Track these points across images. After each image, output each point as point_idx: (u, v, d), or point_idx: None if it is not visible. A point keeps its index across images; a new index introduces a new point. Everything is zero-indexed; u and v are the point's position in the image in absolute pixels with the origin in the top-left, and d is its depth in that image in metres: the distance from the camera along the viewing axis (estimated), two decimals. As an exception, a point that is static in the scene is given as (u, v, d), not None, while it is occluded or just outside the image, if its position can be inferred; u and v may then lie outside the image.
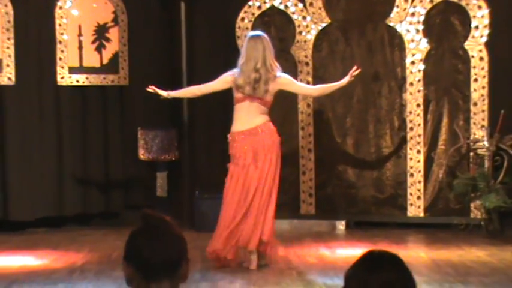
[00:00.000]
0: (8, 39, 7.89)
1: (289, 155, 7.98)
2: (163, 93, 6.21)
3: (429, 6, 7.73)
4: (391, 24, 7.81)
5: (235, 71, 6.07)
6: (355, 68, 6.21)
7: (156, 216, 2.20)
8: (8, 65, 7.91)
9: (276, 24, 8.01)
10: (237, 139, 6.03)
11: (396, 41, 7.81)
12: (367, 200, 7.91)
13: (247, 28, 8.02)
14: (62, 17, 8.05)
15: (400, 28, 7.78)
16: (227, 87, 6.10)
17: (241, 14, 8.03)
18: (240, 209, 5.96)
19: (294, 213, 7.98)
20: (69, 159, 8.04)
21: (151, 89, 6.22)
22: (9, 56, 7.90)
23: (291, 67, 7.98)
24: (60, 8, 8.06)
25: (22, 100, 7.92)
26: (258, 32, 6.27)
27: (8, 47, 7.90)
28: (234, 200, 5.97)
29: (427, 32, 7.73)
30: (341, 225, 7.85)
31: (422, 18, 7.74)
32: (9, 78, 7.91)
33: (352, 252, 6.73)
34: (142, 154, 8.02)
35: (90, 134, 8.12)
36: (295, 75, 7.98)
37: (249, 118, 6.02)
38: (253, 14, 8.04)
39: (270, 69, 6.00)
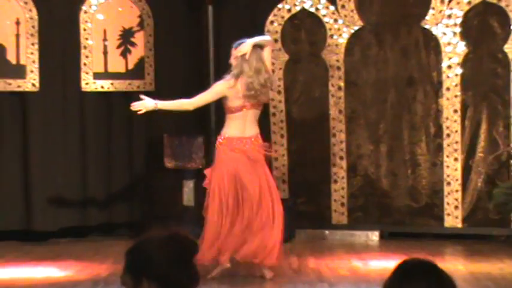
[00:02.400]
0: (32, 44, 7.78)
1: (320, 163, 7.81)
2: (151, 102, 6.00)
3: (467, 8, 7.50)
4: (427, 26, 7.58)
5: (229, 79, 5.96)
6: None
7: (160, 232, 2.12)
8: (32, 71, 7.80)
9: (307, 27, 7.83)
10: (234, 145, 5.92)
11: (432, 44, 7.60)
12: (402, 210, 7.70)
13: (276, 32, 7.84)
14: (86, 21, 7.92)
15: (436, 31, 7.56)
16: (220, 97, 6.03)
17: (271, 17, 7.86)
18: (232, 217, 5.83)
19: (325, 223, 7.81)
20: (93, 166, 7.92)
21: (141, 98, 6.06)
22: (34, 61, 7.79)
23: (321, 72, 7.81)
24: (85, 12, 7.93)
25: (46, 106, 7.82)
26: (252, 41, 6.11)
27: (32, 53, 7.79)
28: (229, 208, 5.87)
29: (465, 35, 7.51)
30: (374, 236, 7.67)
31: (459, 21, 7.51)
32: (33, 85, 7.80)
33: (386, 264, 6.55)
34: (168, 162, 7.89)
35: (115, 141, 8.00)
36: (326, 80, 7.80)
37: (247, 126, 5.98)
38: (282, 17, 7.86)
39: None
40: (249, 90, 5.90)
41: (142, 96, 6.02)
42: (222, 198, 5.84)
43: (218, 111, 7.69)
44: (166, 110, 6.21)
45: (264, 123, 7.95)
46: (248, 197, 5.82)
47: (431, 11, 7.56)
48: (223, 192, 5.84)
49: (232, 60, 6.00)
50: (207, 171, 6.06)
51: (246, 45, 5.98)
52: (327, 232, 7.79)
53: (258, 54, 5.97)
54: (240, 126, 5.94)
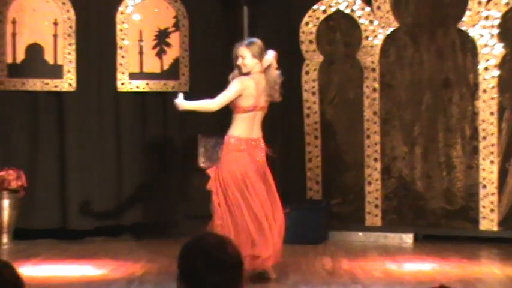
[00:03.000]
0: (70, 45, 7.84)
1: (354, 165, 7.77)
2: (179, 102, 5.90)
3: (505, 9, 7.41)
4: (463, 28, 7.50)
5: (246, 78, 5.84)
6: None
7: (214, 236, 2.07)
8: (69, 71, 7.86)
9: (342, 28, 7.79)
10: (246, 146, 5.80)
11: (468, 46, 7.51)
12: (437, 212, 7.62)
13: (311, 33, 7.82)
14: (123, 22, 7.97)
15: (473, 32, 7.47)
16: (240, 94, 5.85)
17: (306, 19, 7.84)
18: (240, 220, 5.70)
19: (359, 225, 7.76)
20: (128, 166, 7.95)
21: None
22: (70, 61, 7.85)
23: (356, 73, 7.77)
24: (122, 13, 7.97)
25: (82, 106, 7.87)
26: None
27: (69, 53, 7.85)
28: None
29: (502, 36, 7.40)
30: (409, 238, 7.61)
31: (497, 22, 7.42)
32: (70, 84, 7.86)
33: (420, 266, 6.51)
34: (202, 162, 7.89)
35: (150, 141, 8.03)
36: (361, 81, 7.77)
37: (255, 127, 5.86)
38: (317, 18, 7.83)
39: None
40: (264, 91, 5.82)
41: (179, 95, 5.96)
42: (230, 201, 5.70)
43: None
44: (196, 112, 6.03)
45: (298, 124, 7.97)
46: (257, 199, 5.69)
47: (468, 13, 7.48)
48: (232, 194, 5.69)
49: (250, 61, 5.85)
50: (210, 171, 5.88)
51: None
52: (360, 234, 7.73)
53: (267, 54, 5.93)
54: (249, 127, 5.82)
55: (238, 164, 5.75)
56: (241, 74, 5.86)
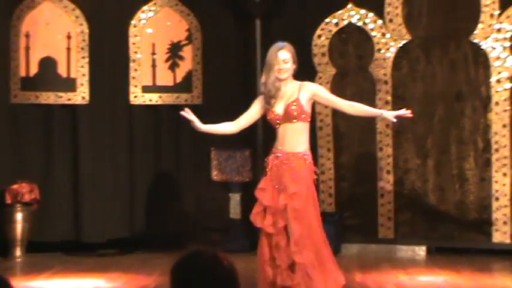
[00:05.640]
0: (83, 58, 7.89)
1: (367, 177, 7.76)
2: (198, 123, 5.31)
3: (516, 21, 7.40)
4: (475, 41, 7.50)
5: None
6: (409, 112, 5.38)
7: (208, 253, 2.06)
8: (82, 84, 7.90)
9: (354, 41, 7.80)
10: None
11: (481, 59, 7.50)
12: (449, 225, 7.60)
13: (324, 45, 7.83)
14: (136, 35, 8.01)
15: (485, 45, 7.47)
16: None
17: (318, 32, 7.86)
18: None
19: (371, 237, 7.74)
20: (141, 179, 7.97)
21: (186, 111, 5.32)
22: (84, 75, 7.89)
23: (369, 85, 7.77)
24: (135, 26, 8.02)
25: (95, 119, 7.90)
26: None
27: (82, 66, 7.89)
28: None
29: (515, 49, 7.40)
30: (421, 251, 7.58)
31: (509, 35, 7.41)
32: (83, 97, 7.90)
33: (433, 279, 6.49)
34: (215, 175, 7.91)
35: (163, 154, 8.04)
36: (373, 93, 7.77)
37: None
38: (330, 31, 7.85)
39: None
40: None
41: (188, 112, 5.42)
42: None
43: (265, 124, 7.71)
44: (223, 122, 5.50)
45: (311, 137, 7.94)
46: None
47: (480, 25, 7.48)
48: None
49: (291, 66, 5.23)
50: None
51: None
52: (373, 246, 7.72)
53: None
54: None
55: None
56: (279, 80, 5.20)
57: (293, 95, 5.20)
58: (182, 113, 5.40)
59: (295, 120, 5.14)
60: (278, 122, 5.18)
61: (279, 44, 5.32)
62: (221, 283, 2.07)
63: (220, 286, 2.07)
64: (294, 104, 5.15)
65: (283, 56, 5.20)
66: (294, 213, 5.07)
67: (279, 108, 5.19)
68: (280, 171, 5.13)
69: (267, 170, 5.22)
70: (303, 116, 5.15)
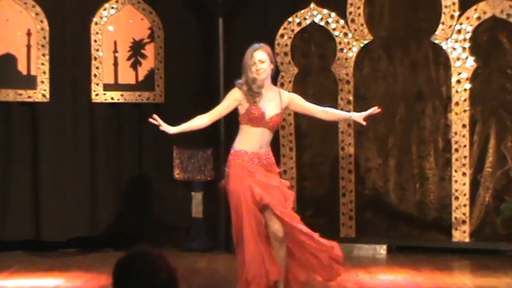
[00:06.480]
0: (43, 55, 7.81)
1: (329, 176, 7.79)
2: (168, 128, 5.44)
3: (476, 23, 7.49)
4: (436, 41, 7.58)
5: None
6: (376, 108, 5.60)
7: (146, 257, 2.06)
8: (42, 82, 7.82)
9: (316, 41, 7.84)
10: None
11: (441, 59, 7.59)
12: (410, 224, 7.67)
13: (286, 45, 7.85)
14: (97, 33, 7.95)
15: (446, 46, 7.55)
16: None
17: (281, 31, 7.87)
18: None
19: (333, 236, 7.71)
20: (102, 177, 7.92)
21: (154, 119, 5.45)
22: (44, 72, 7.82)
23: (331, 85, 7.81)
24: (96, 24, 7.96)
25: (56, 117, 7.82)
26: None
27: (42, 63, 7.81)
28: None
29: (474, 50, 7.49)
30: (382, 250, 7.64)
31: (468, 36, 7.50)
32: (44, 95, 7.82)
33: (393, 278, 6.55)
34: (177, 174, 7.89)
35: (125, 152, 8.00)
36: (335, 93, 7.81)
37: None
38: (292, 30, 7.87)
39: None
40: None
41: (156, 119, 5.48)
42: None
43: (227, 124, 7.72)
44: (185, 121, 5.57)
45: (273, 136, 7.96)
46: None
47: (441, 26, 7.55)
48: None
49: (268, 66, 5.38)
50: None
51: None
52: (334, 245, 7.75)
53: None
54: None
55: None
56: (256, 81, 5.33)
57: (277, 106, 5.41)
58: (151, 120, 5.52)
59: (273, 130, 5.46)
60: (261, 123, 5.36)
61: (255, 45, 5.46)
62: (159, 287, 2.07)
63: None
64: (279, 115, 5.43)
65: (259, 57, 5.33)
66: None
67: (264, 109, 5.36)
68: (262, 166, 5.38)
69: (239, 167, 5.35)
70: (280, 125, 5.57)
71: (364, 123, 5.61)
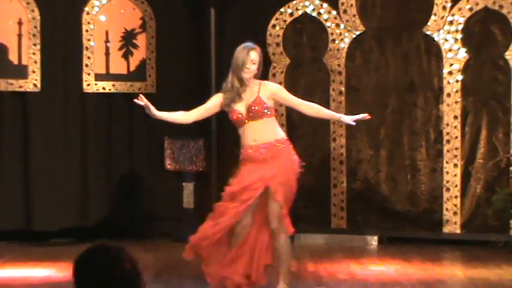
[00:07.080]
0: (34, 45, 7.78)
1: (320, 167, 7.80)
2: (153, 110, 5.48)
3: (468, 14, 7.49)
4: (428, 32, 7.58)
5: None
6: (366, 115, 5.70)
7: (109, 250, 2.06)
8: (33, 71, 7.79)
9: (308, 31, 7.82)
10: None
11: (433, 50, 7.59)
12: (401, 215, 7.68)
13: (278, 35, 7.84)
14: (89, 22, 7.92)
15: (438, 37, 7.55)
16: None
17: (273, 21, 7.85)
18: None
19: (324, 227, 7.79)
20: (93, 168, 7.91)
21: (140, 99, 5.49)
22: (35, 62, 7.79)
23: (323, 76, 7.80)
24: (88, 13, 7.93)
25: (47, 107, 7.81)
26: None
27: (34, 53, 7.78)
28: None
29: (466, 41, 7.50)
30: (373, 241, 7.66)
31: (460, 27, 7.50)
32: (35, 85, 7.80)
33: (384, 269, 6.56)
34: (168, 164, 7.88)
35: (116, 142, 7.98)
36: (327, 84, 7.80)
37: None
38: (284, 21, 7.85)
39: None
40: None
41: (142, 98, 5.56)
42: None
43: (218, 114, 7.71)
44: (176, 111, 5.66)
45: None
46: None
47: (433, 17, 7.55)
48: None
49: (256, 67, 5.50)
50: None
51: None
52: (326, 236, 7.76)
53: None
54: None
55: None
56: (242, 78, 5.43)
57: (253, 94, 5.43)
58: (136, 100, 5.55)
59: (259, 118, 5.41)
60: (244, 121, 5.42)
61: (250, 44, 5.52)
62: (118, 284, 2.07)
63: (122, 286, 2.06)
64: (256, 103, 5.39)
65: (254, 57, 5.43)
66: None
67: (240, 108, 5.42)
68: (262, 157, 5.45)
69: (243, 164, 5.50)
70: (266, 111, 5.42)
71: (353, 123, 5.71)
